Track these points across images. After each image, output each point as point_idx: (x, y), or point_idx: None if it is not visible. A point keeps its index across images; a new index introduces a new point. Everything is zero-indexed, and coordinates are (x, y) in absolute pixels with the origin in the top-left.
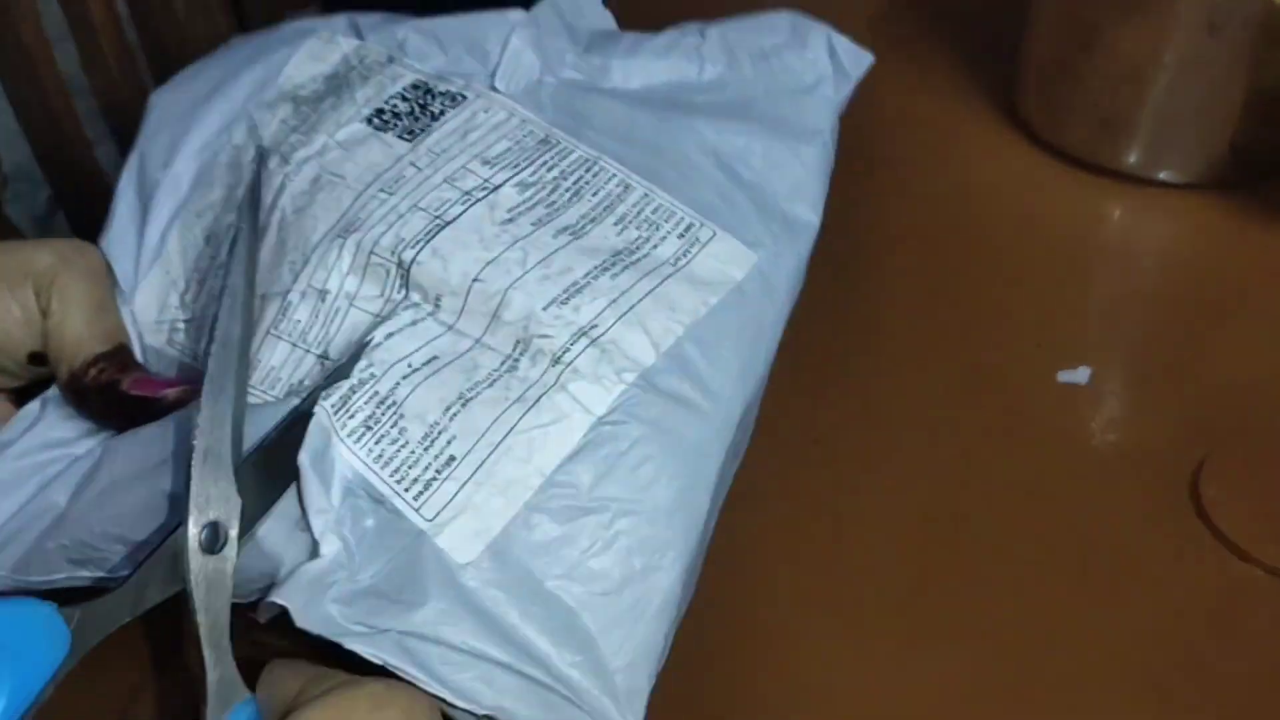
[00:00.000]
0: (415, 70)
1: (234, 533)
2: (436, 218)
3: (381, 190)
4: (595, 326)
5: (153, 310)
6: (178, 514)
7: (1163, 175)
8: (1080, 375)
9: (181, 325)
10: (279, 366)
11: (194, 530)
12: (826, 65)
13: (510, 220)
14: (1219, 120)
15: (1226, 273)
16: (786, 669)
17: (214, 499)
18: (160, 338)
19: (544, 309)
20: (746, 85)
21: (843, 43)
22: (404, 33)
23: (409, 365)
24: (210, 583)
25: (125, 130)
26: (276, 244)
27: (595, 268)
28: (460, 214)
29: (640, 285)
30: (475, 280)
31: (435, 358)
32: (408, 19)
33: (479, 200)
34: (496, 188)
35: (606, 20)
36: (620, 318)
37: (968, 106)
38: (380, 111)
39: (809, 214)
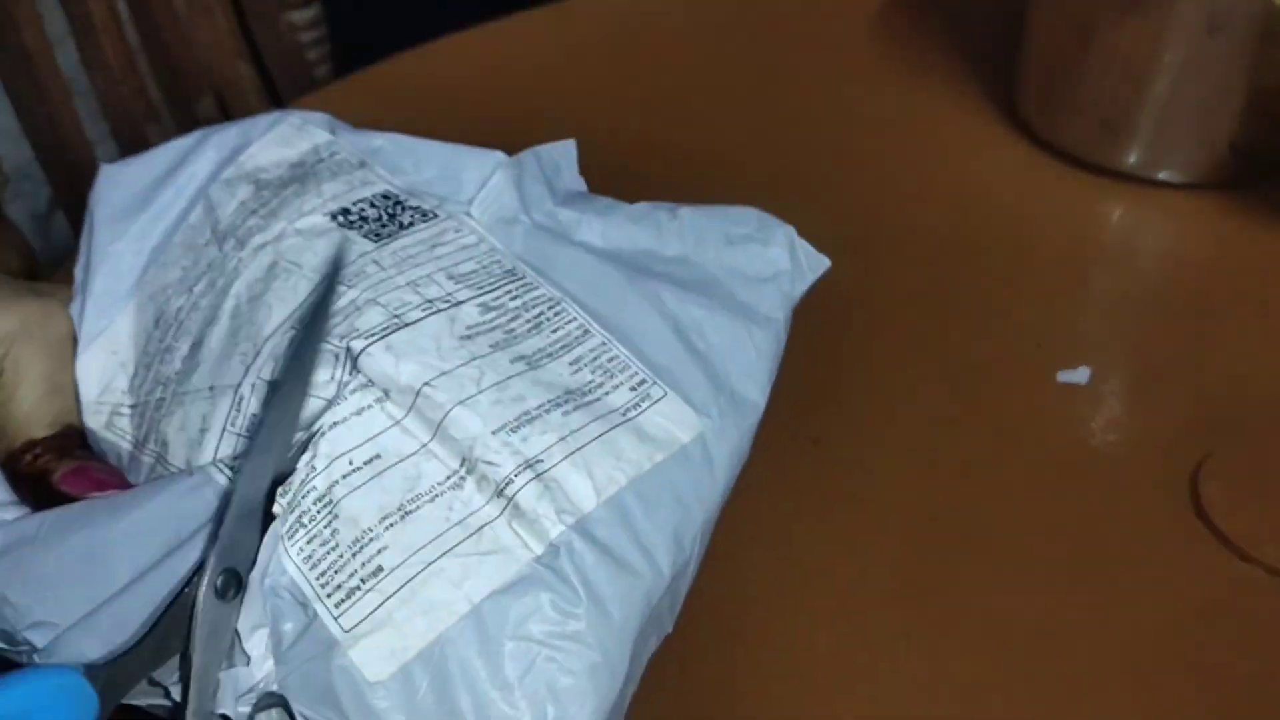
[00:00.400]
0: (386, 181)
1: (248, 582)
2: (395, 316)
3: (340, 283)
4: (541, 461)
5: (92, 389)
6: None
7: (1163, 175)
8: (1080, 375)
9: (126, 410)
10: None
11: (212, 573)
12: (786, 262)
13: (469, 337)
14: (1219, 120)
15: (1226, 273)
16: (786, 669)
17: (239, 548)
18: (99, 419)
19: (493, 433)
20: (710, 265)
21: (803, 245)
22: (380, 142)
23: (350, 462)
24: (214, 627)
25: (126, 130)
26: (228, 333)
27: (548, 401)
28: (419, 319)
29: (590, 427)
30: (426, 385)
31: (378, 456)
32: (381, 133)
33: (440, 311)
34: (459, 303)
35: (579, 184)
36: (567, 456)
37: (967, 106)
38: (346, 211)
39: (756, 394)
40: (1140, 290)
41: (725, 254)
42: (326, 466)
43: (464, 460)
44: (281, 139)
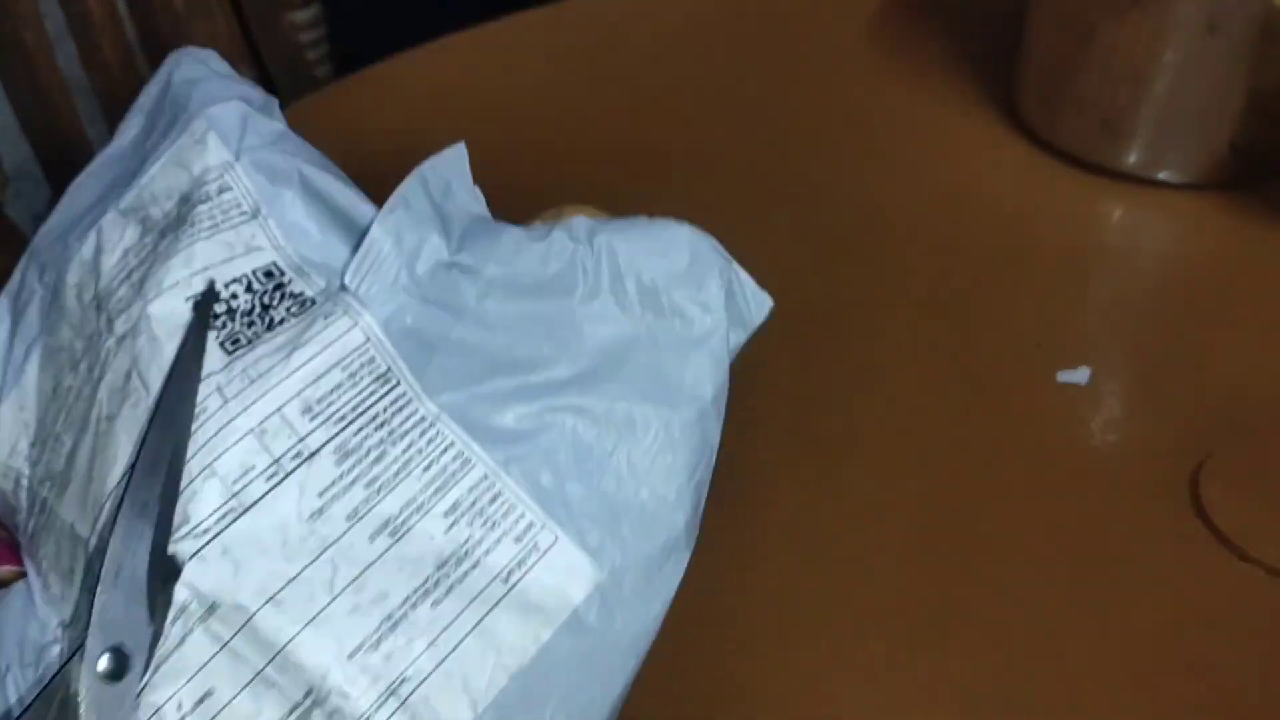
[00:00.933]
0: (275, 246)
1: (140, 664)
2: (234, 497)
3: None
4: (406, 681)
5: (3, 448)
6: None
7: (1163, 175)
8: (1080, 375)
9: (25, 481)
10: None
11: (94, 653)
12: (721, 310)
13: (321, 512)
14: (1219, 120)
15: (1226, 273)
16: (785, 669)
17: (122, 622)
18: (6, 481)
19: (349, 657)
20: (628, 323)
21: (744, 282)
22: (287, 191)
23: (179, 707)
24: (105, 713)
25: None
26: (88, 460)
27: (415, 591)
28: (263, 495)
29: (465, 617)
30: (270, 601)
31: (210, 693)
32: (297, 153)
33: (289, 474)
34: (312, 454)
35: (478, 202)
36: (438, 666)
37: (967, 106)
38: (214, 296)
39: (671, 509)
40: (1140, 290)
41: (648, 307)
42: (151, 716)
43: (310, 691)
44: (178, 158)
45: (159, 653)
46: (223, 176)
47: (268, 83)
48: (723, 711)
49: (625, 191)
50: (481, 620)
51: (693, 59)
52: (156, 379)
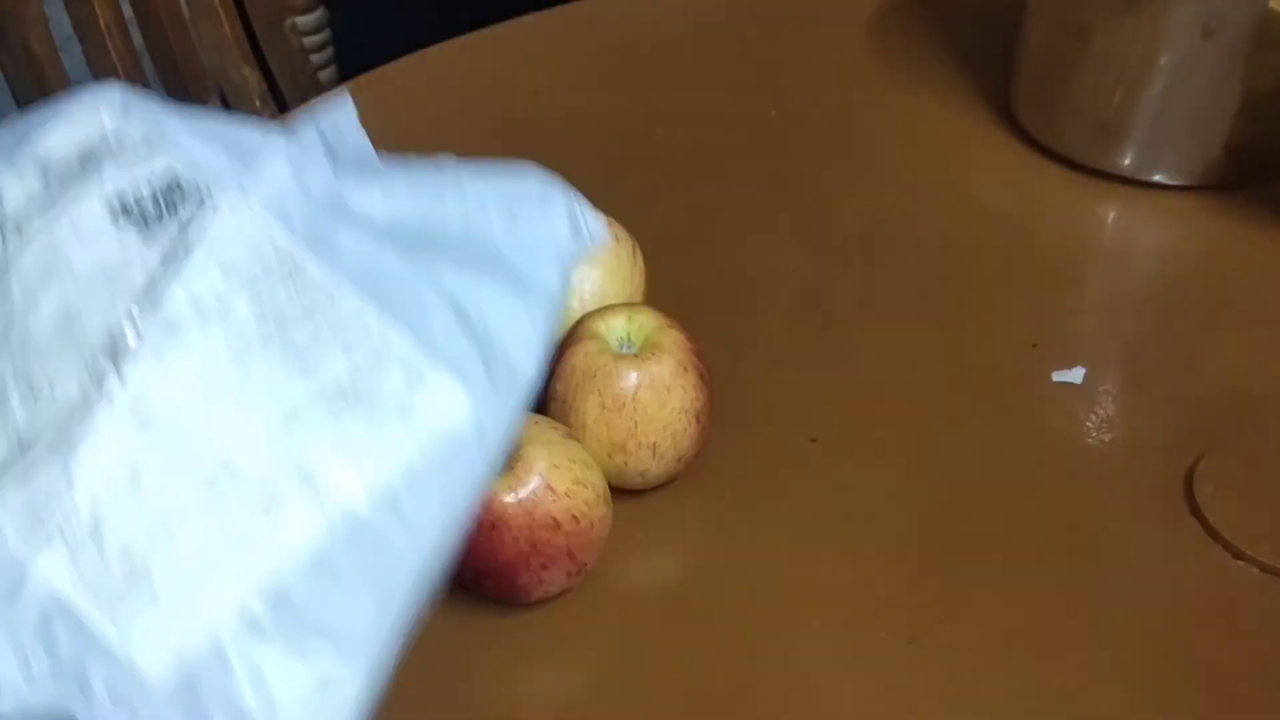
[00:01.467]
0: (169, 157)
1: None
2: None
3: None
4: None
5: None
6: None
7: (1158, 177)
8: (1075, 375)
9: None
10: None
11: None
12: (565, 230)
13: (246, 350)
14: (1213, 122)
15: (1221, 274)
16: (786, 668)
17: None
18: None
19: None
20: (490, 236)
21: (584, 212)
22: (170, 122)
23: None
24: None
25: None
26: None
27: (323, 410)
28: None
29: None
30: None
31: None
32: (177, 111)
33: (212, 322)
34: (231, 306)
35: (365, 144)
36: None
37: (964, 109)
38: (122, 196)
39: (530, 367)
40: (1135, 291)
41: (506, 224)
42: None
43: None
44: (73, 122)
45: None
46: (119, 129)
47: (273, 86)
48: (719, 711)
49: (625, 192)
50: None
51: (692, 62)
52: (81, 262)
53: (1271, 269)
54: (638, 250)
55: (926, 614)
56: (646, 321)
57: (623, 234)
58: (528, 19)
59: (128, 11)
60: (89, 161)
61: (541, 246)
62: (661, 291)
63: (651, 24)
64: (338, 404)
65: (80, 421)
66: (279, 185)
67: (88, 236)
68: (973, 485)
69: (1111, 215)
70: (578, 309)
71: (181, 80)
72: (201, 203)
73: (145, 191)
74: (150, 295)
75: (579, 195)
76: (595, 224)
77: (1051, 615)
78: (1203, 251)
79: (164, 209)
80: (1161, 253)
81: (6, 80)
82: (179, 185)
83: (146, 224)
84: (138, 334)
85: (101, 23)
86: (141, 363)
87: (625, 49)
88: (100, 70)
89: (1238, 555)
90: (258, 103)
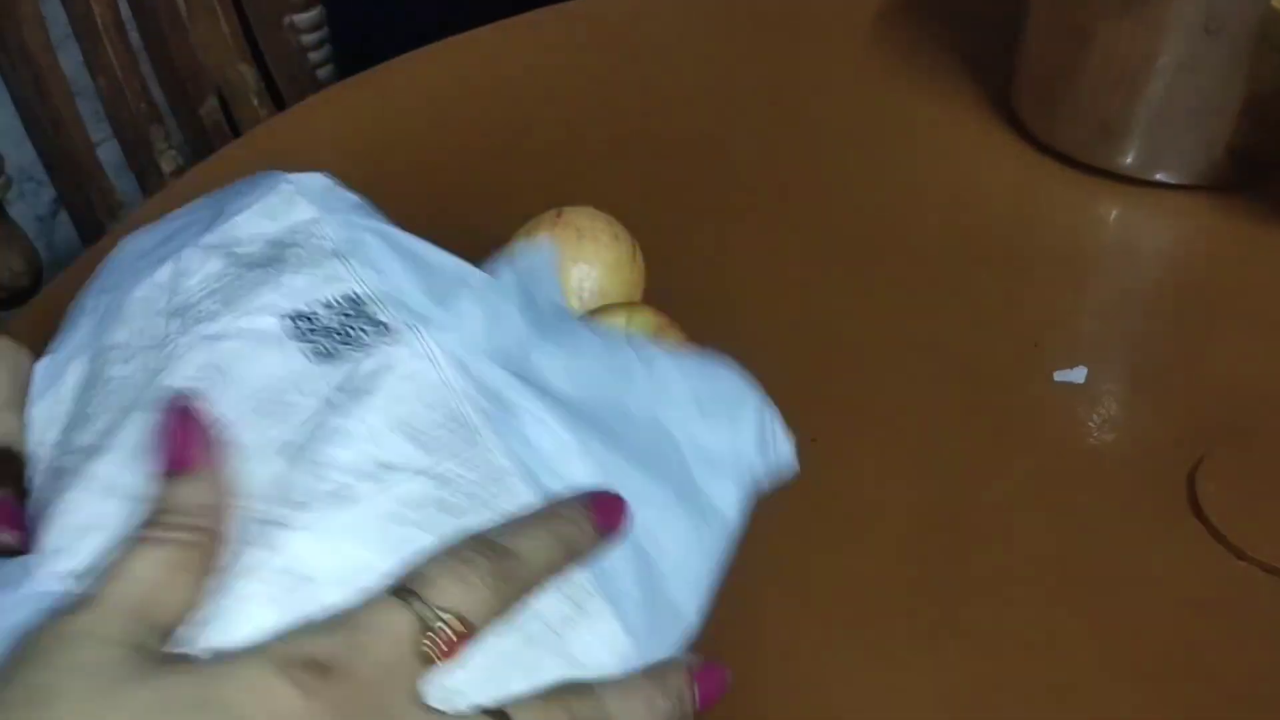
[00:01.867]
0: (355, 280)
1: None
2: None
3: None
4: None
5: (33, 438)
6: None
7: (1159, 176)
8: (1077, 375)
9: (42, 467)
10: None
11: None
12: (753, 447)
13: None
14: (1216, 122)
15: (1223, 273)
16: (786, 669)
17: None
18: (33, 468)
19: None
20: (675, 432)
21: (775, 426)
22: (367, 235)
23: None
24: None
25: (128, 132)
26: (145, 432)
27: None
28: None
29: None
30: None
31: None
32: (376, 217)
33: (380, 482)
34: (397, 471)
35: (558, 291)
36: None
37: (965, 109)
38: (301, 315)
39: (692, 610)
40: (1137, 290)
41: (693, 422)
42: None
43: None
44: (267, 210)
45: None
46: (309, 228)
47: (270, 84)
48: (723, 711)
49: (625, 193)
50: (526, 654)
51: (693, 60)
52: (241, 374)
53: (1274, 269)
54: (638, 250)
55: (926, 614)
56: (646, 321)
57: (622, 233)
58: (527, 16)
59: (125, 10)
60: (275, 261)
61: (725, 459)
62: (661, 291)
63: (652, 23)
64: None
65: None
66: (469, 335)
67: (257, 344)
68: (974, 485)
69: (1113, 215)
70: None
71: (179, 78)
72: (384, 334)
73: (327, 309)
74: (313, 443)
75: (772, 404)
76: (785, 444)
77: (1052, 615)
78: (1205, 251)
79: (343, 333)
80: (1164, 252)
81: (3, 78)
82: (364, 311)
83: (324, 348)
84: (294, 504)
85: (99, 21)
86: (294, 531)
87: (625, 47)
88: (98, 69)
89: (1240, 556)
90: (255, 101)
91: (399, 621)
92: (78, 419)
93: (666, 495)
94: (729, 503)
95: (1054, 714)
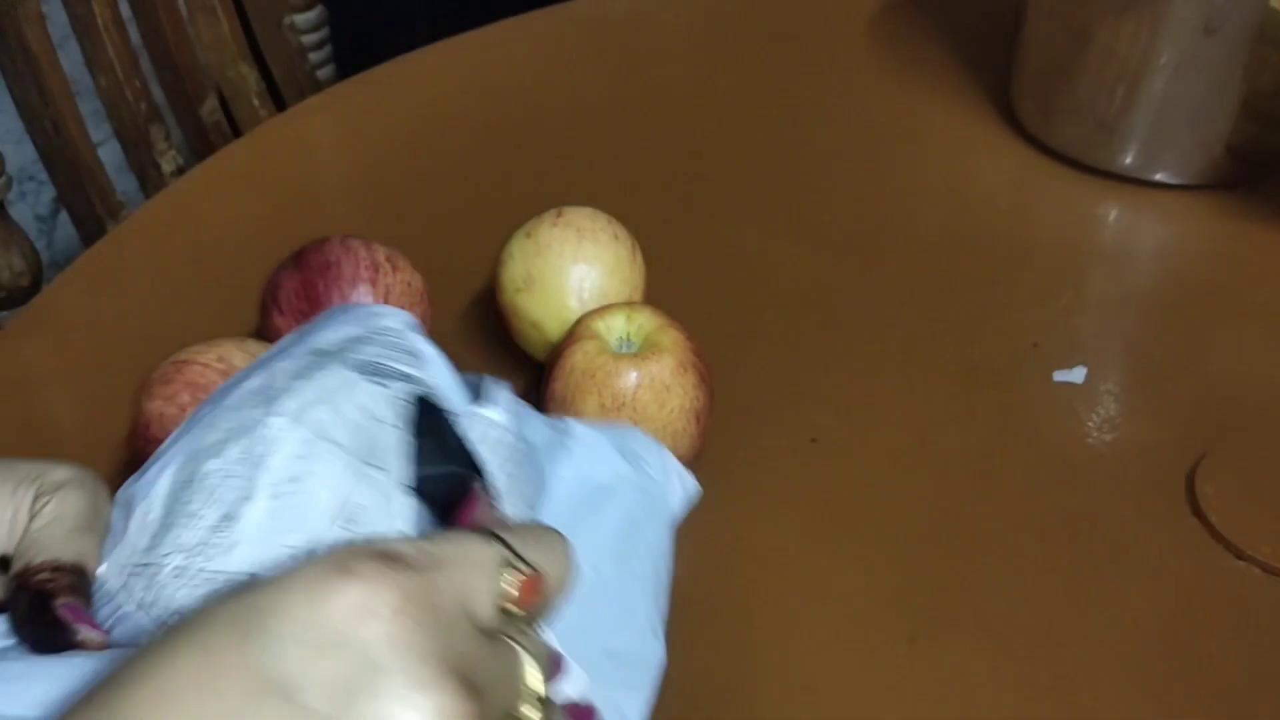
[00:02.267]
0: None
1: None
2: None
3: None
4: None
5: (124, 552)
6: None
7: (1159, 176)
8: (1076, 375)
9: (139, 570)
10: None
11: None
12: (678, 484)
13: None
14: (1215, 121)
15: (1222, 273)
16: (786, 668)
17: None
18: (117, 580)
19: None
20: (632, 498)
21: (680, 466)
22: (423, 345)
23: None
24: None
25: (129, 131)
26: (268, 515)
27: None
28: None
29: None
30: None
31: None
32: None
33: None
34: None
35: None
36: None
37: (964, 108)
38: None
39: (659, 654)
40: (1136, 290)
41: (620, 465)
42: None
43: None
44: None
45: None
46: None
47: (270, 84)
48: (717, 711)
49: (625, 193)
50: None
51: (692, 60)
52: (351, 441)
53: (1273, 268)
54: (637, 250)
55: (926, 614)
56: (646, 321)
57: (623, 233)
58: (526, 17)
59: (125, 9)
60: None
61: (661, 512)
62: (661, 291)
63: (651, 24)
64: None
65: None
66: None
67: (373, 421)
68: (973, 485)
69: (1113, 214)
70: (577, 308)
71: (179, 78)
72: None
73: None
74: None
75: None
76: (690, 479)
77: (1052, 615)
78: (1204, 250)
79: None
80: (1163, 252)
81: (4, 78)
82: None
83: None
84: None
85: (99, 20)
86: None
87: (625, 47)
88: (98, 68)
89: (1239, 555)
90: (255, 101)
91: (483, 550)
92: (177, 518)
93: (613, 545)
94: (660, 535)
95: (1053, 713)
